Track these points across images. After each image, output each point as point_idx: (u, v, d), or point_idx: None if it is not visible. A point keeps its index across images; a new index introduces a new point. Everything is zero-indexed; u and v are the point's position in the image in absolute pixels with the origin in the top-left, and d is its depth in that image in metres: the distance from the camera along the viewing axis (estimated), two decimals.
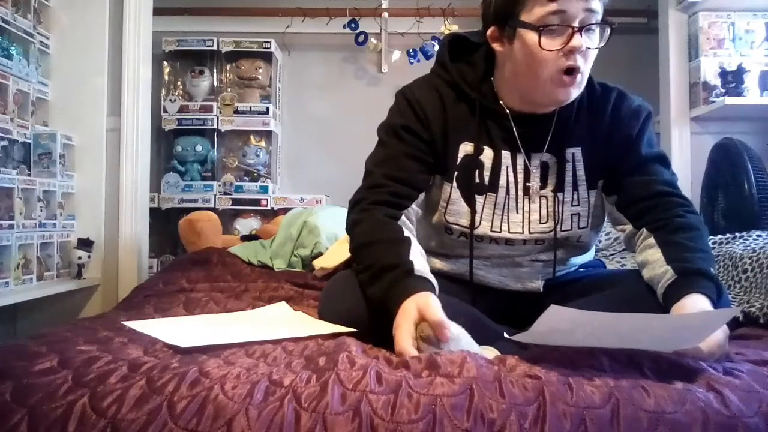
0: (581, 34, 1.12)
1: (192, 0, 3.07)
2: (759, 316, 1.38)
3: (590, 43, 1.14)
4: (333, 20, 3.01)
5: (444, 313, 1.01)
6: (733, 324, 1.39)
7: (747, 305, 1.44)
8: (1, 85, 2.01)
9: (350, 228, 1.22)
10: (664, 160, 1.27)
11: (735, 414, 0.81)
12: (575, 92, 1.18)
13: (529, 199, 1.26)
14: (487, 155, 1.25)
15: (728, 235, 1.92)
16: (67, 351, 0.96)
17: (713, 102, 2.39)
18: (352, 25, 3.03)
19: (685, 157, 2.52)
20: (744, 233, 1.88)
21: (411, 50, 3.04)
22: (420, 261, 1.13)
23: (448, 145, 1.25)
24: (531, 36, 1.13)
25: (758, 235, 1.84)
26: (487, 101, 1.25)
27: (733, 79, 2.39)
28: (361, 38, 3.04)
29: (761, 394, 0.85)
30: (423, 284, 1.07)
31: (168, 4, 2.88)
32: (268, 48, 3.00)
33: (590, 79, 1.27)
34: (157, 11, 2.51)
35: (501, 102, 1.25)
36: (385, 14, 3.05)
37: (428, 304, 1.02)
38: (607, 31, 1.16)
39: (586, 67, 1.16)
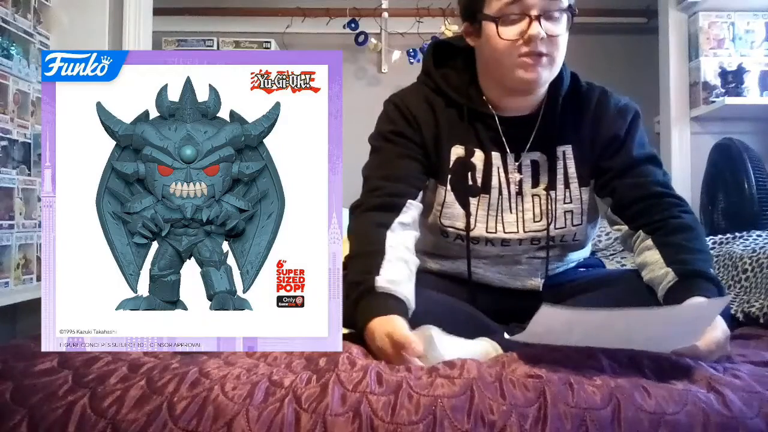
0: (540, 23, 1.14)
1: (192, 0, 3.07)
2: (759, 316, 1.38)
3: (553, 30, 1.16)
4: (333, 20, 3.01)
5: (407, 328, 1.00)
6: (733, 324, 1.39)
7: (747, 305, 1.44)
8: (1, 85, 2.00)
9: (347, 236, 1.22)
10: (655, 161, 1.27)
11: (736, 415, 0.81)
12: (545, 73, 1.18)
13: (522, 199, 1.27)
14: (479, 157, 1.27)
15: (728, 235, 1.92)
16: (66, 351, 0.96)
17: (713, 102, 2.39)
18: (352, 25, 3.02)
19: (685, 157, 2.52)
20: (744, 233, 1.88)
21: (411, 50, 3.04)
22: (393, 271, 1.11)
23: (440, 149, 1.27)
24: (492, 27, 1.17)
25: (758, 235, 1.84)
26: (474, 104, 1.27)
27: (733, 79, 2.39)
28: (361, 38, 3.03)
29: (762, 394, 0.85)
30: (383, 306, 1.05)
31: (168, 4, 2.88)
32: (268, 48, 3.00)
33: (576, 77, 1.29)
34: (157, 11, 2.50)
35: (488, 103, 1.27)
36: (385, 14, 3.05)
37: (391, 330, 0.99)
38: (571, 18, 1.18)
39: (555, 52, 1.18)
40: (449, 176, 1.27)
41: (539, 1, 1.15)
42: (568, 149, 1.26)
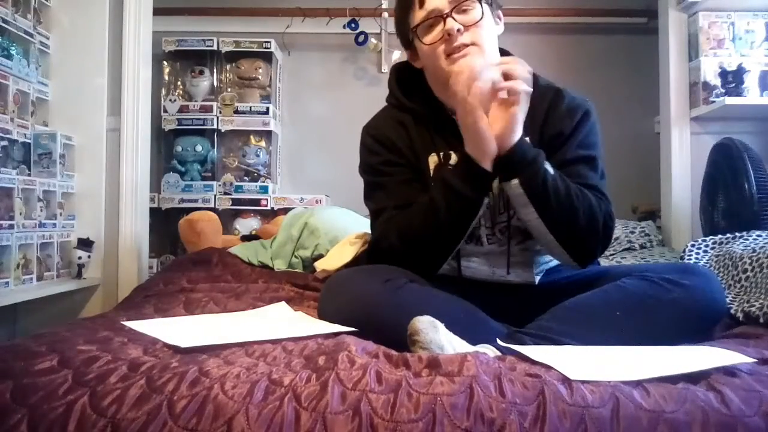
0: (453, 17, 1.25)
1: (192, 0, 3.07)
2: (759, 316, 1.38)
3: (467, 20, 1.27)
4: (333, 20, 3.01)
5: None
6: (733, 322, 1.40)
7: (747, 305, 1.44)
8: (1, 85, 2.01)
9: (380, 239, 1.29)
10: (590, 162, 1.30)
11: (735, 413, 0.81)
12: (477, 59, 1.24)
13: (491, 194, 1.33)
14: (455, 160, 1.31)
15: (728, 235, 1.92)
16: (67, 351, 0.96)
17: (713, 102, 2.39)
18: (352, 25, 3.03)
19: (685, 157, 2.52)
20: (744, 233, 1.88)
21: None
22: None
23: (420, 162, 1.34)
24: (418, 41, 1.32)
25: (758, 235, 1.84)
26: (438, 114, 1.33)
27: (733, 79, 2.39)
28: (361, 38, 3.04)
29: (761, 393, 0.85)
30: None
31: (168, 4, 2.88)
32: (268, 48, 3.00)
33: (535, 77, 1.31)
34: (157, 11, 2.51)
35: (449, 111, 1.32)
36: (385, 14, 3.05)
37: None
38: (483, 4, 1.28)
39: (480, 39, 1.26)
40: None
41: (447, 3, 1.26)
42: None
